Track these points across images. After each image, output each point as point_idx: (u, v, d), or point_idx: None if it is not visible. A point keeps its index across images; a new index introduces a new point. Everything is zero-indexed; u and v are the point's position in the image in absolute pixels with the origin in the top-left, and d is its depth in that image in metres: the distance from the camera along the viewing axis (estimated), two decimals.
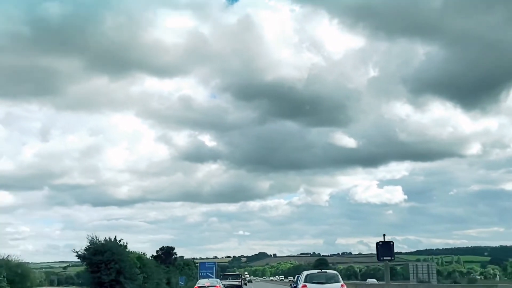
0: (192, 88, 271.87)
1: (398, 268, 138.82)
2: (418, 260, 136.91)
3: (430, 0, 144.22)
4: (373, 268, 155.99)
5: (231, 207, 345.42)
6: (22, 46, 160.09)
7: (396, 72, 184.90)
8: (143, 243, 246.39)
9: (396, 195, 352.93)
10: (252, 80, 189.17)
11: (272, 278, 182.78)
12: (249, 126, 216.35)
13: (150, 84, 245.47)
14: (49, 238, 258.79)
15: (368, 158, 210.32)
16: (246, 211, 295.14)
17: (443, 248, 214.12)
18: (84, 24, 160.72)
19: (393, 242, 34.46)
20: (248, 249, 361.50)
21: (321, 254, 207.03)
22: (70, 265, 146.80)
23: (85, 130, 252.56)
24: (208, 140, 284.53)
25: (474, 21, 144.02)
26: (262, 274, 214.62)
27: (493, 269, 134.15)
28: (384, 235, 35.02)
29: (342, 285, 23.02)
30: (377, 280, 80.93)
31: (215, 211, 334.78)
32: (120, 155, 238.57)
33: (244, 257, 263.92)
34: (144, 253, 46.23)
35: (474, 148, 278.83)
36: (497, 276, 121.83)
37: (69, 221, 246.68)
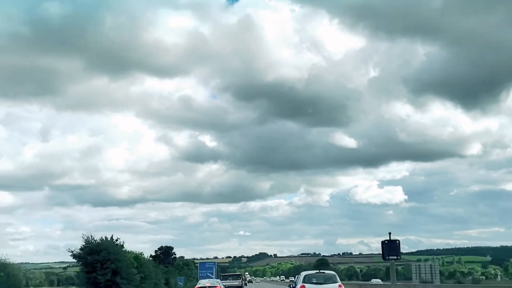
0: (192, 88, 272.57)
1: (399, 268, 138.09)
2: (419, 260, 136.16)
3: (430, 0, 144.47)
4: (374, 268, 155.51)
5: (232, 208, 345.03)
6: (22, 46, 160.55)
7: (397, 72, 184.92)
8: (143, 244, 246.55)
9: (397, 195, 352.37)
10: (253, 80, 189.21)
11: (273, 278, 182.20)
12: (249, 126, 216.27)
13: (150, 84, 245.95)
14: (49, 239, 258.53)
15: (368, 158, 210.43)
16: (247, 212, 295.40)
17: (443, 248, 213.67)
18: (84, 24, 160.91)
19: (399, 241, 33.48)
20: (248, 250, 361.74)
21: (322, 255, 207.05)
22: (70, 265, 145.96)
23: (85, 130, 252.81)
24: (208, 140, 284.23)
25: (475, 21, 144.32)
26: (263, 274, 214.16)
27: (494, 269, 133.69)
28: (390, 234, 34.00)
29: (339, 285, 23.26)
30: (382, 280, 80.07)
31: (215, 212, 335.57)
32: (121, 155, 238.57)
33: (244, 257, 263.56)
34: (141, 253, 45.52)
35: (475, 148, 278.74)
36: (499, 276, 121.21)
37: (69, 221, 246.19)
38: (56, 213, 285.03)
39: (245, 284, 79.65)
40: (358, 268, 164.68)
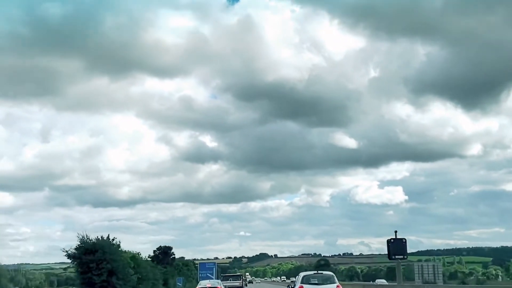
0: (192, 89, 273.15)
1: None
2: (420, 260, 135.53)
3: (430, 0, 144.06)
4: (375, 269, 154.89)
5: (232, 208, 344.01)
6: (22, 47, 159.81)
7: (397, 73, 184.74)
8: (144, 244, 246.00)
9: (397, 195, 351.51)
10: (253, 81, 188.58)
11: (273, 279, 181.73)
12: (249, 126, 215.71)
13: (150, 84, 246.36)
14: (50, 239, 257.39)
15: (368, 159, 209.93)
16: (247, 212, 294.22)
17: (444, 249, 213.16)
18: (85, 24, 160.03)
19: (405, 240, 32.48)
20: (249, 250, 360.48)
21: (322, 255, 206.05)
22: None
23: (85, 130, 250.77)
24: (208, 141, 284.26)
25: (475, 21, 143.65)
26: (263, 274, 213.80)
27: (495, 270, 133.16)
28: (395, 232, 33.00)
29: (337, 286, 23.63)
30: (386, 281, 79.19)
31: (216, 212, 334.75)
32: (121, 155, 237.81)
33: (245, 257, 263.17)
34: (138, 253, 44.75)
35: (475, 149, 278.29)
36: (500, 277, 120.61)
37: (69, 222, 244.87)
38: (57, 213, 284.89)
39: (246, 285, 79.19)
40: (359, 268, 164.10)
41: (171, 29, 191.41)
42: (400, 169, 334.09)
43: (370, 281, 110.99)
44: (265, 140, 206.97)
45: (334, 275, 25.22)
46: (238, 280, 67.21)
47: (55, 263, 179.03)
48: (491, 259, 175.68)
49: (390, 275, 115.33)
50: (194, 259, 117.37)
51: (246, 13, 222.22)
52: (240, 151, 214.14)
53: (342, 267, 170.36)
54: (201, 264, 76.14)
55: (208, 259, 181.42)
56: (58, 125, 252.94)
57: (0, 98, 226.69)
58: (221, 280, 55.13)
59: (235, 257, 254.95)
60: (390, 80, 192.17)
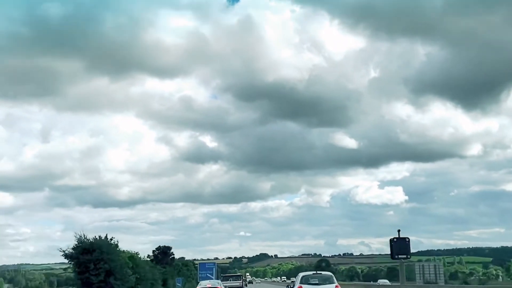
0: (193, 89, 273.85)
1: None
2: (420, 260, 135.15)
3: (430, 0, 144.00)
4: (375, 269, 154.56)
5: (232, 208, 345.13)
6: (22, 47, 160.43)
7: (397, 73, 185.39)
8: (144, 244, 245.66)
9: (397, 195, 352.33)
10: (253, 81, 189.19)
11: (274, 279, 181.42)
12: (250, 126, 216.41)
13: (150, 84, 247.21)
14: (50, 240, 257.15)
15: (369, 159, 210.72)
16: (247, 212, 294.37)
17: (444, 249, 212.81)
18: (85, 24, 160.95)
19: (408, 239, 31.83)
20: (249, 250, 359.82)
21: (322, 255, 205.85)
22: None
23: (85, 131, 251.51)
24: (209, 141, 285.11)
25: (475, 22, 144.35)
26: (264, 275, 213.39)
27: (495, 270, 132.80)
28: (399, 231, 32.32)
29: (336, 286, 23.87)
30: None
31: (216, 212, 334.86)
32: (121, 156, 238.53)
33: (245, 258, 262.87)
34: (137, 253, 44.32)
35: (475, 149, 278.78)
36: (500, 277, 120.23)
37: (69, 222, 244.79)
38: (57, 214, 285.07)
39: (245, 285, 79.01)
40: (359, 268, 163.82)
41: (171, 29, 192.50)
42: (400, 169, 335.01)
43: (371, 281, 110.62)
44: (265, 140, 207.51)
45: (333, 275, 25.43)
46: (238, 280, 67.47)
47: (55, 263, 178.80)
48: (491, 259, 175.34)
49: (390, 275, 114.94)
50: (194, 260, 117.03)
51: (246, 13, 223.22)
52: (240, 151, 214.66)
53: (343, 267, 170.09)
54: (201, 264, 75.67)
55: (208, 259, 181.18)
56: (58, 125, 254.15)
57: (0, 98, 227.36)
58: (221, 280, 55.11)
59: (235, 258, 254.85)
60: (390, 80, 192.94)
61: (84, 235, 31.15)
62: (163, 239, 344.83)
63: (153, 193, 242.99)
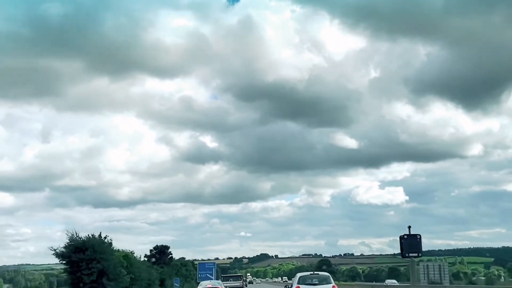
0: (193, 89, 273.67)
1: (402, 269, 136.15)
2: (421, 261, 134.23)
3: (431, 0, 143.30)
4: (376, 269, 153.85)
5: (233, 208, 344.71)
6: (22, 47, 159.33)
7: (397, 73, 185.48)
8: (144, 245, 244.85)
9: (398, 196, 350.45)
10: (253, 81, 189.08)
11: (275, 279, 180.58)
12: (250, 127, 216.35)
13: (151, 85, 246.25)
14: (50, 240, 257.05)
15: (369, 159, 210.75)
16: (248, 212, 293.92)
17: (445, 249, 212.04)
18: (85, 24, 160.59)
19: (420, 236, 30.25)
20: (249, 250, 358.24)
21: (323, 255, 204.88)
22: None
23: (86, 131, 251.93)
24: (209, 141, 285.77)
25: (476, 22, 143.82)
26: (264, 275, 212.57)
27: (497, 270, 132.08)
28: (409, 227, 30.65)
29: (333, 286, 24.20)
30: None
31: (216, 212, 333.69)
32: (121, 156, 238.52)
33: (245, 258, 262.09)
34: (132, 252, 43.05)
35: (476, 149, 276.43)
36: (502, 277, 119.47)
37: (70, 222, 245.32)
38: (57, 214, 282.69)
39: (246, 285, 78.25)
40: (360, 269, 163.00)
41: (171, 29, 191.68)
42: (400, 170, 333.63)
43: (373, 281, 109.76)
44: (266, 141, 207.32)
45: (330, 275, 25.88)
46: (239, 280, 67.20)
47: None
48: (492, 259, 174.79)
49: (392, 275, 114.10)
50: (195, 260, 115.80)
51: (246, 13, 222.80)
52: (240, 152, 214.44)
53: (343, 267, 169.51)
54: (201, 264, 74.48)
55: (208, 259, 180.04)
56: (59, 125, 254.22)
57: (0, 98, 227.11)
58: (221, 281, 54.36)
59: (235, 258, 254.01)
60: (391, 80, 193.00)
61: (76, 233, 30.00)
62: (164, 240, 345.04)
63: (154, 193, 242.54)
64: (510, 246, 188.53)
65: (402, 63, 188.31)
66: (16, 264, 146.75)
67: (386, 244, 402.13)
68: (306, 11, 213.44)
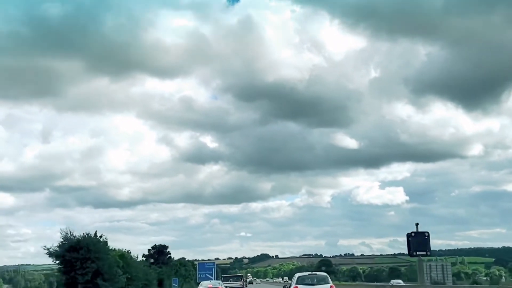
0: (193, 89, 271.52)
1: (403, 269, 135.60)
2: (422, 260, 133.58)
3: (431, 0, 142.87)
4: (377, 269, 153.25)
5: (233, 209, 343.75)
6: (22, 47, 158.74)
7: (398, 73, 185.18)
8: (145, 245, 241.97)
9: (398, 196, 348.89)
10: (253, 81, 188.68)
11: (276, 279, 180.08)
12: (250, 127, 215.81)
13: (151, 85, 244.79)
14: (51, 240, 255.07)
15: (369, 159, 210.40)
16: (248, 213, 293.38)
17: (445, 249, 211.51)
18: (85, 24, 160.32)
19: (428, 233, 28.73)
20: (250, 251, 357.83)
21: (323, 256, 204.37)
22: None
23: (86, 131, 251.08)
24: (209, 141, 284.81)
25: (476, 22, 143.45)
26: (265, 275, 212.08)
27: (498, 270, 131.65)
28: (417, 225, 29.08)
29: (331, 286, 24.60)
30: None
31: (217, 213, 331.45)
32: (121, 156, 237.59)
33: (246, 258, 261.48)
34: (128, 251, 42.23)
35: (476, 149, 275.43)
36: (503, 277, 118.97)
37: (70, 223, 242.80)
38: (57, 214, 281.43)
39: (246, 286, 77.84)
40: (361, 269, 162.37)
41: (171, 29, 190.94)
42: (401, 170, 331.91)
43: (375, 281, 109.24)
44: (266, 141, 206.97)
45: (328, 276, 26.22)
46: (239, 280, 67.21)
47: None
48: (493, 259, 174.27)
49: (392, 275, 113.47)
50: (195, 260, 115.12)
51: (246, 13, 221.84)
52: (240, 152, 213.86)
53: (344, 267, 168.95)
54: (200, 264, 73.82)
55: (209, 259, 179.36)
56: (59, 125, 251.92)
57: (0, 99, 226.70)
58: (222, 281, 53.96)
59: (236, 258, 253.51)
60: (391, 81, 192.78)
61: (70, 232, 29.22)
62: (164, 240, 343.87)
63: (154, 193, 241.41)
64: (511, 246, 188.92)
65: (402, 63, 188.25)
66: (17, 264, 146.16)
67: (387, 244, 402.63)
68: (306, 11, 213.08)
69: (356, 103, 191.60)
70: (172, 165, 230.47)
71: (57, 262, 29.03)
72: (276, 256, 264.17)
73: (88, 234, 30.48)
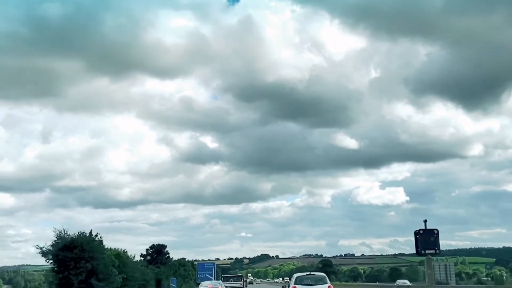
0: (193, 89, 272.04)
1: (403, 269, 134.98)
2: (422, 261, 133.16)
3: (431, 0, 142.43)
4: (377, 270, 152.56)
5: (233, 209, 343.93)
6: (22, 47, 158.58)
7: (398, 73, 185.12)
8: (145, 245, 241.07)
9: (398, 196, 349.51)
10: (253, 81, 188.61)
11: (276, 280, 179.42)
12: (250, 127, 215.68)
13: (151, 85, 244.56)
14: (51, 240, 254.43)
15: (370, 159, 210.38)
16: (248, 213, 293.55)
17: (445, 250, 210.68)
18: (85, 24, 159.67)
19: (437, 230, 27.30)
20: (250, 251, 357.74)
21: (324, 256, 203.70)
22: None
23: (86, 131, 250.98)
24: (209, 142, 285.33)
25: (476, 22, 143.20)
26: (265, 275, 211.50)
27: (499, 271, 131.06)
28: (425, 221, 27.52)
29: (329, 286, 24.83)
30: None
31: (217, 213, 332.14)
32: (122, 156, 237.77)
33: (246, 258, 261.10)
34: (124, 250, 41.40)
35: (476, 149, 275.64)
36: (504, 277, 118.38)
37: (70, 223, 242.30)
38: (57, 214, 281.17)
39: (246, 286, 77.39)
40: (361, 269, 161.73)
41: (171, 29, 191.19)
42: (401, 170, 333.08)
43: (376, 281, 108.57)
44: (266, 141, 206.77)
45: (326, 276, 26.52)
46: (239, 281, 67.15)
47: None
48: (494, 259, 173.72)
49: (393, 275, 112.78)
50: (195, 260, 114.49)
51: (246, 13, 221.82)
52: (241, 152, 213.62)
53: (344, 268, 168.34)
54: (200, 264, 73.31)
55: (209, 260, 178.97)
56: (59, 126, 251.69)
57: (0, 99, 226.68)
58: (222, 281, 53.50)
59: (236, 258, 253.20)
60: (391, 81, 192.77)
61: (64, 231, 28.41)
62: (164, 240, 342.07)
63: (154, 194, 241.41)
64: (511, 246, 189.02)
65: (402, 63, 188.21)
66: (17, 265, 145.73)
67: (387, 245, 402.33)
68: (306, 11, 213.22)
69: (356, 103, 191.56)
70: (172, 165, 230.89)
71: (50, 261, 28.08)
72: (277, 256, 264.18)
73: (82, 233, 29.75)
